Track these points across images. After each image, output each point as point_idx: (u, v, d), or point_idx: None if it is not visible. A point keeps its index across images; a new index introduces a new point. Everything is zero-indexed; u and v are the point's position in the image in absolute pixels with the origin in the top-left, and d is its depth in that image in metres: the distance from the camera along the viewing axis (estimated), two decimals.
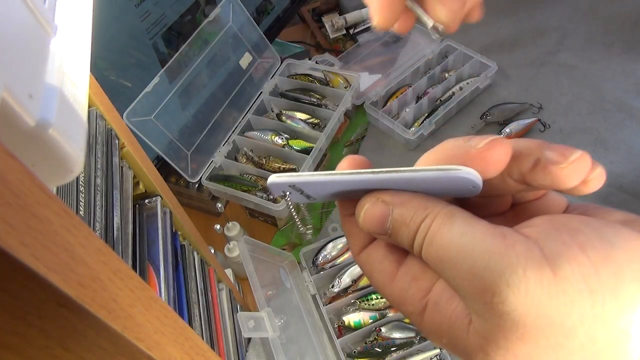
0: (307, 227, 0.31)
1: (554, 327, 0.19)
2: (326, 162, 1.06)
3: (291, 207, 0.28)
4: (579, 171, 0.21)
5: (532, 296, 0.19)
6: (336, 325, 0.85)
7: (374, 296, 0.85)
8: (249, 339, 0.79)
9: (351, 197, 0.26)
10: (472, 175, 0.22)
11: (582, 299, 0.19)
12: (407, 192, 0.24)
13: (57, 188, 0.37)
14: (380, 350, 0.80)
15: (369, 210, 0.24)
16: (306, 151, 0.94)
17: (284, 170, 0.94)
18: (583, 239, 0.20)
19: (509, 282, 0.19)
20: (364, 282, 0.87)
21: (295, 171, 0.93)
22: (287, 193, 0.27)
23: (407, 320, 0.84)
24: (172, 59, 0.86)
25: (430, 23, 0.26)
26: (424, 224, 0.22)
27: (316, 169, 1.02)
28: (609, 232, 0.20)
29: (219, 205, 0.84)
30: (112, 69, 0.78)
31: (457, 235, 0.21)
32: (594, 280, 0.19)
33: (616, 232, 0.20)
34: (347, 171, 0.24)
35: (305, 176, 0.25)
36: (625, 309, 0.19)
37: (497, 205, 0.27)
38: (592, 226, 0.20)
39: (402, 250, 0.25)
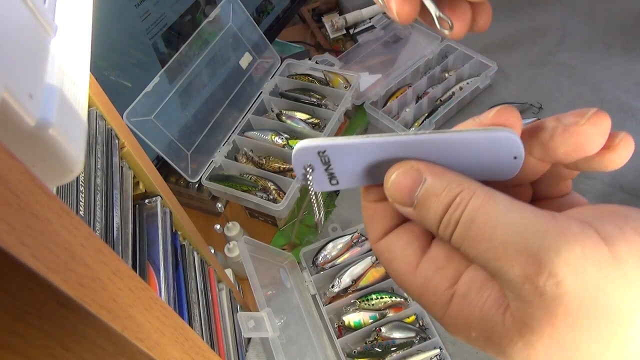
0: (321, 213, 0.29)
1: (610, 313, 0.18)
2: None
3: (311, 189, 0.25)
4: (600, 127, 0.21)
5: (590, 277, 0.18)
6: (336, 325, 0.85)
7: (374, 296, 0.85)
8: (249, 339, 0.79)
9: (380, 177, 0.24)
10: (517, 137, 0.21)
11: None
12: (442, 166, 0.23)
13: (57, 188, 0.37)
14: (380, 350, 0.80)
15: (400, 175, 0.23)
16: None
17: (285, 170, 0.94)
18: (635, 224, 0.19)
19: (568, 261, 0.18)
20: (364, 282, 0.87)
21: None
22: (309, 171, 0.24)
23: (407, 320, 0.84)
24: (172, 59, 0.86)
25: (437, 13, 0.24)
26: (460, 199, 0.21)
27: None
28: None
29: (219, 205, 0.84)
30: (112, 69, 0.78)
31: (504, 212, 0.20)
32: None
33: None
34: (385, 134, 0.23)
35: (339, 140, 0.24)
36: None
37: (515, 197, 0.26)
38: None
39: (426, 239, 0.24)
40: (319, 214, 0.29)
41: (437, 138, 0.22)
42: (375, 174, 0.24)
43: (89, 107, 0.42)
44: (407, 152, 0.23)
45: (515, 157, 0.22)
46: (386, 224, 0.25)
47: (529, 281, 0.18)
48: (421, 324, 0.84)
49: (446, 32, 0.24)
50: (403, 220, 0.26)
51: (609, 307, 0.18)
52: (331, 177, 0.25)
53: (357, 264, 0.88)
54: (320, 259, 0.90)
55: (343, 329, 0.85)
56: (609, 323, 0.18)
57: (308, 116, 1.01)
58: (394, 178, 0.23)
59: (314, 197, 0.27)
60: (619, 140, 0.21)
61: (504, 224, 0.19)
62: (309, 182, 0.25)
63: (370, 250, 0.91)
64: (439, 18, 0.23)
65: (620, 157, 0.22)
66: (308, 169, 0.24)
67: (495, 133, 0.22)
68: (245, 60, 1.03)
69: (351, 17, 1.28)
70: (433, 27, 0.24)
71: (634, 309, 0.18)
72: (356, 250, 0.91)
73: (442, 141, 0.22)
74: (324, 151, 0.24)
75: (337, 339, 0.82)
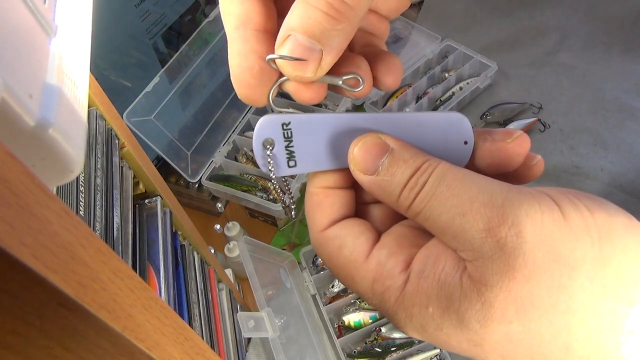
0: (290, 196, 0.28)
1: (560, 264, 0.19)
2: None
3: (271, 171, 0.25)
4: (524, 148, 0.24)
5: (546, 229, 0.19)
6: (336, 325, 0.85)
7: None
8: (249, 339, 0.79)
9: (337, 161, 0.25)
10: (468, 122, 0.24)
11: (583, 236, 0.19)
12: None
13: (57, 188, 0.37)
14: (380, 350, 0.80)
15: (367, 142, 0.23)
16: None
17: None
18: (577, 194, 0.21)
19: (528, 212, 0.20)
20: None
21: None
22: (270, 148, 0.24)
23: None
24: (172, 59, 0.86)
25: (339, 81, 0.24)
26: (428, 164, 0.22)
27: None
28: (596, 198, 0.21)
29: (219, 205, 0.84)
30: (112, 69, 0.78)
31: (470, 174, 0.22)
32: (591, 221, 0.20)
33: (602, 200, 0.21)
34: (353, 112, 0.24)
35: (304, 114, 0.24)
36: (617, 252, 0.19)
37: None
38: (582, 192, 0.22)
39: (375, 232, 0.25)
40: (285, 197, 0.28)
41: (399, 116, 0.24)
42: (334, 155, 0.25)
43: (89, 107, 0.42)
44: (370, 128, 0.24)
45: (465, 142, 0.24)
46: (334, 213, 0.26)
47: (491, 233, 0.20)
48: None
49: (358, 90, 0.24)
50: (350, 212, 0.26)
51: (560, 258, 0.19)
52: (290, 157, 0.25)
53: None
54: (320, 259, 0.90)
55: (343, 329, 0.85)
56: (560, 275, 0.19)
57: None
58: (361, 145, 0.24)
59: (274, 181, 0.26)
60: (536, 162, 0.25)
61: (471, 182, 0.21)
62: (269, 162, 0.25)
63: None
64: (344, 81, 0.24)
65: (532, 176, 0.25)
66: (268, 146, 0.24)
67: (450, 113, 0.25)
68: None
69: None
70: (342, 92, 0.25)
71: (579, 262, 0.19)
72: None
73: (403, 119, 0.24)
74: (289, 123, 0.24)
75: (337, 339, 0.82)
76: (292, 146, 0.25)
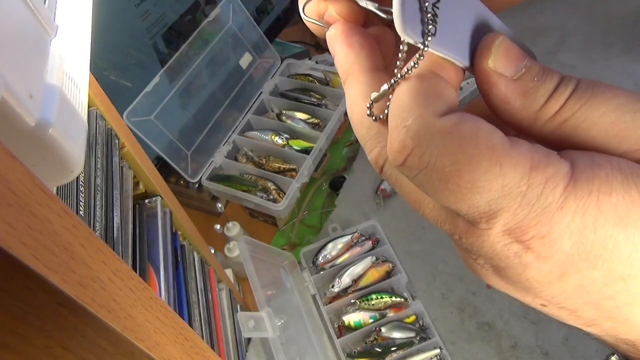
0: None
1: None
2: (326, 162, 1.06)
3: (429, 23, 0.18)
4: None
5: None
6: (336, 325, 0.85)
7: (374, 296, 0.85)
8: (249, 339, 0.79)
9: (467, 55, 0.20)
10: None
11: None
12: None
13: (57, 188, 0.37)
14: (380, 350, 0.80)
15: (512, 45, 0.20)
16: (306, 151, 0.94)
17: (285, 170, 0.94)
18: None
19: None
20: (364, 282, 0.87)
21: (296, 171, 0.93)
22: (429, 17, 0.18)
23: (407, 320, 0.84)
24: (172, 59, 0.86)
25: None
26: (569, 81, 0.19)
27: (316, 169, 1.02)
28: None
29: (219, 205, 0.84)
30: (112, 69, 0.78)
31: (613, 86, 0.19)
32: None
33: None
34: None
35: None
36: None
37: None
38: None
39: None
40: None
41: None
42: (468, 44, 0.20)
43: (89, 107, 0.42)
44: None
45: None
46: (449, 101, 0.20)
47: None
48: (421, 324, 0.84)
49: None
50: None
51: None
52: (432, 20, 0.19)
53: (357, 264, 0.88)
54: (320, 259, 0.90)
55: (343, 329, 0.85)
56: None
57: (308, 116, 1.01)
58: (502, 38, 0.20)
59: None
60: None
61: (616, 87, 0.19)
62: (429, 28, 0.18)
63: (371, 249, 0.91)
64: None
65: None
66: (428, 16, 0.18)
67: None
68: (245, 60, 1.03)
69: None
70: None
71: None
72: (356, 250, 0.91)
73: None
74: None
75: (337, 339, 0.82)
76: (438, 7, 0.19)
